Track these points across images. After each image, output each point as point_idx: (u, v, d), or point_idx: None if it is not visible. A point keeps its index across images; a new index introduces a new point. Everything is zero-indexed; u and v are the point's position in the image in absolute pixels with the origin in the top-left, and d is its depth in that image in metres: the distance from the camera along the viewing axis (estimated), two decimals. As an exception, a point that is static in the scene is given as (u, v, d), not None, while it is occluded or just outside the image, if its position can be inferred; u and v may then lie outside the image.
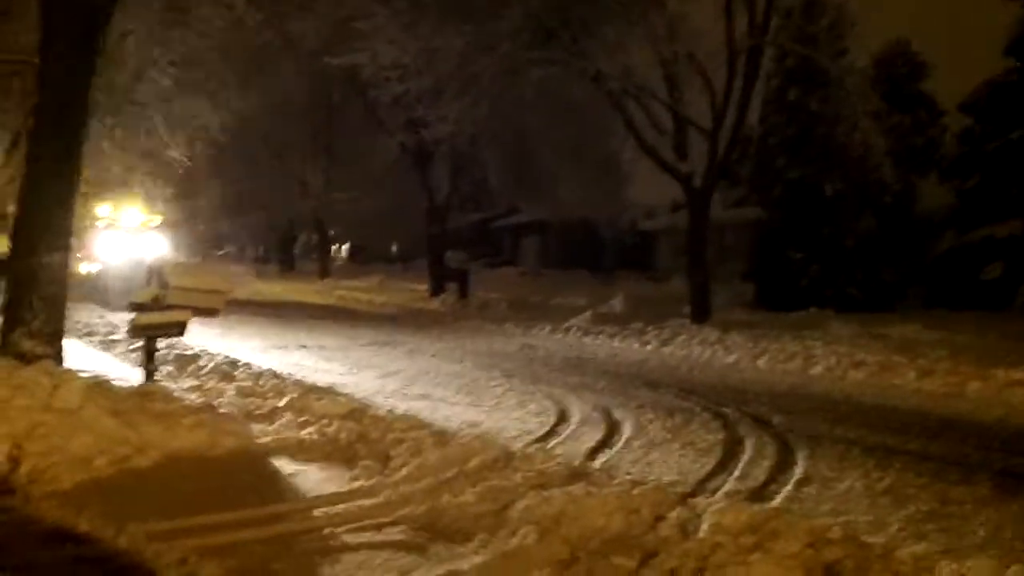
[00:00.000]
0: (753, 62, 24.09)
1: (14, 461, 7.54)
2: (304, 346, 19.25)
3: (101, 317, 22.77)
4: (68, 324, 11.34)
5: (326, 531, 6.39)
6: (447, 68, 24.18)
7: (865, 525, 6.83)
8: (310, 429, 9.54)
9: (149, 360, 10.60)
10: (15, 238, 10.70)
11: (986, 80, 30.76)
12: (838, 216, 28.53)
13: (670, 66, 24.62)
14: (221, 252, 60.63)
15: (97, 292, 26.86)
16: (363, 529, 6.51)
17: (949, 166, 32.44)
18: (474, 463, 7.92)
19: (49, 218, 10.43)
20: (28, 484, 7.21)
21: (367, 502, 7.12)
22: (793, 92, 29.11)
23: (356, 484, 7.71)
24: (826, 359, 17.42)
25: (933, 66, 33.42)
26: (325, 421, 9.87)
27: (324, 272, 51.24)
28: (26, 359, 9.61)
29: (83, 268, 33.83)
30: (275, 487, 7.58)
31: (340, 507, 7.01)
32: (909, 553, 5.27)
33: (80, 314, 21.67)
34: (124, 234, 29.23)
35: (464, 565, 5.74)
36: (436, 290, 36.07)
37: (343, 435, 9.25)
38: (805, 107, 28.63)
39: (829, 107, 26.80)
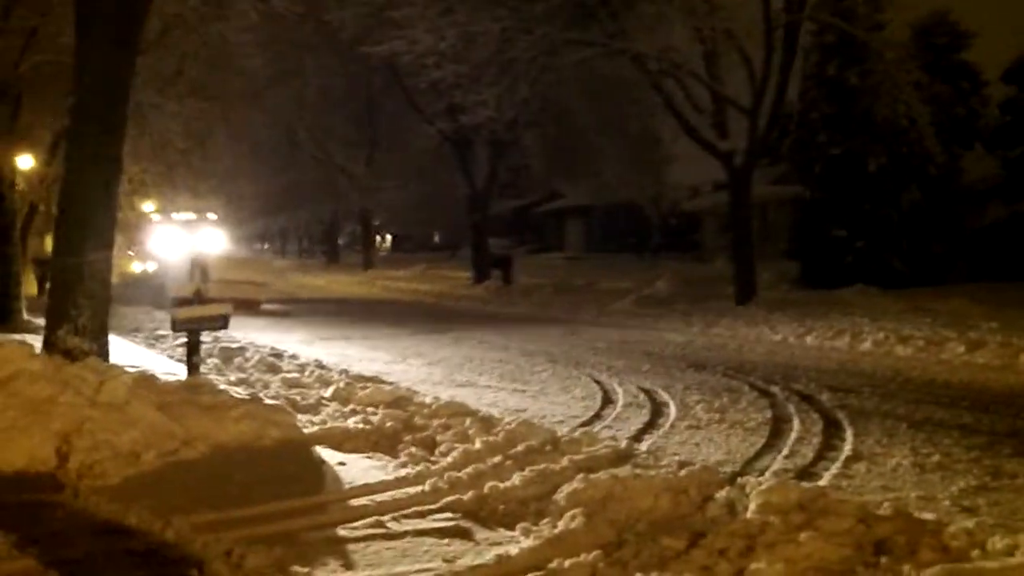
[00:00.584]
0: (791, 38, 23.87)
1: (63, 457, 7.60)
2: (348, 337, 19.31)
3: (146, 313, 23.00)
4: (115, 322, 11.45)
5: (372, 519, 6.38)
6: (484, 53, 24.15)
7: (915, 501, 6.73)
8: (356, 418, 9.56)
9: (193, 353, 10.64)
10: (57, 237, 10.79)
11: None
12: (881, 191, 28.20)
13: (708, 44, 24.46)
14: (264, 246, 60.86)
15: (151, 291, 26.25)
16: (409, 516, 6.48)
17: (992, 136, 31.98)
18: (520, 448, 7.90)
19: (91, 216, 10.49)
20: (77, 479, 7.25)
21: (413, 490, 7.10)
22: (832, 67, 28.78)
23: (402, 472, 7.70)
24: (873, 335, 17.26)
25: (974, 35, 32.86)
26: (371, 410, 9.91)
27: (368, 263, 51.41)
28: (72, 356, 9.69)
29: (136, 267, 32.97)
30: (321, 477, 7.58)
31: (386, 495, 7.00)
32: (960, 528, 5.18)
33: (131, 313, 21.97)
34: (180, 230, 26.90)
35: (511, 550, 5.71)
36: (480, 277, 36.09)
37: (389, 423, 9.26)
38: (845, 81, 28.29)
39: (869, 81, 26.43)
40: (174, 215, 28.72)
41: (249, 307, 23.28)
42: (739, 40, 24.01)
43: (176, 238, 25.30)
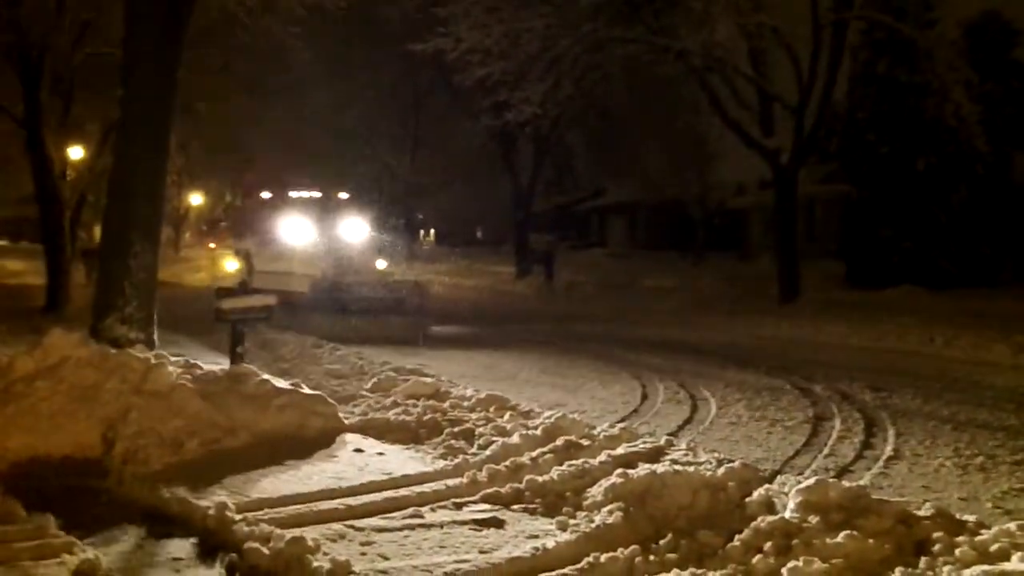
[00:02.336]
0: (839, 35, 23.71)
1: (108, 443, 7.70)
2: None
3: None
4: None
5: (411, 510, 6.42)
6: (529, 50, 24.16)
7: (957, 502, 6.68)
8: (396, 410, 9.61)
9: (237, 343, 10.73)
10: (105, 227, 10.92)
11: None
12: (930, 190, 27.92)
13: (755, 40, 24.33)
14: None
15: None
16: (447, 508, 6.53)
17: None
18: (559, 443, 7.90)
19: (139, 207, 10.60)
20: (122, 465, 7.35)
21: (452, 481, 7.13)
22: (882, 65, 28.53)
23: (441, 463, 7.74)
24: (919, 336, 17.11)
25: (1026, 34, 32.45)
26: (411, 402, 9.94)
27: (411, 256, 51.57)
28: (119, 344, 9.79)
29: (230, 265, 26.21)
30: (362, 467, 7.62)
31: (425, 486, 7.03)
32: (1002, 530, 5.14)
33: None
34: (305, 213, 22.17)
35: (548, 543, 5.72)
36: (522, 273, 36.09)
37: (428, 415, 9.30)
38: (894, 80, 28.04)
39: (919, 79, 26.18)
40: (293, 193, 24.26)
41: (294, 299, 21.64)
42: (786, 37, 23.88)
43: (300, 223, 21.40)
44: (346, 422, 9.08)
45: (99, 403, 8.12)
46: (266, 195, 25.27)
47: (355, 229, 22.79)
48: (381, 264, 22.44)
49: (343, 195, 24.71)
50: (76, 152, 22.87)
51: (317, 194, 24.31)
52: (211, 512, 6.07)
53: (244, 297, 10.81)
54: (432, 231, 71.37)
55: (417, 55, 30.35)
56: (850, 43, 25.81)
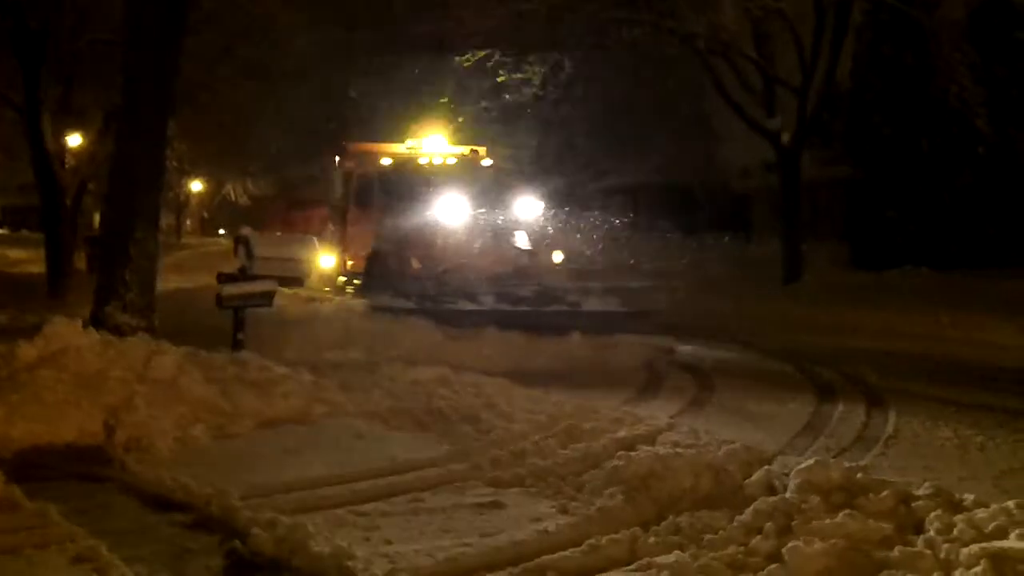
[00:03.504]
0: (842, 16, 23.61)
1: (110, 430, 7.71)
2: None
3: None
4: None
5: (414, 494, 6.43)
6: (532, 32, 24.07)
7: (957, 482, 6.67)
8: (402, 396, 9.61)
9: (239, 330, 10.74)
10: (105, 215, 10.97)
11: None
12: (934, 172, 27.82)
13: (759, 23, 24.25)
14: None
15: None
16: (451, 492, 6.54)
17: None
18: (562, 426, 7.92)
19: (139, 194, 10.62)
20: (124, 453, 7.37)
21: (456, 466, 7.15)
22: (887, 46, 28.37)
23: (445, 448, 7.76)
24: (921, 317, 17.09)
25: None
26: (417, 388, 9.95)
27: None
28: (120, 331, 9.83)
29: (326, 261, 21.26)
30: (366, 452, 7.64)
31: (429, 471, 7.05)
32: (1000, 508, 5.13)
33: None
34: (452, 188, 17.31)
35: (551, 525, 5.74)
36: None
37: (433, 401, 9.31)
38: (900, 62, 27.88)
39: (924, 61, 26.05)
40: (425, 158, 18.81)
41: (295, 285, 21.08)
42: (791, 20, 23.79)
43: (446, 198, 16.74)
44: (351, 408, 9.10)
45: (102, 391, 8.14)
46: (385, 161, 18.74)
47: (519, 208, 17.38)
48: (557, 256, 16.57)
49: (486, 161, 19.04)
50: (76, 139, 22.85)
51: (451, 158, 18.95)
52: (214, 498, 6.08)
53: (245, 284, 10.83)
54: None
55: (419, 35, 30.28)
56: (855, 24, 25.71)
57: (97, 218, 25.24)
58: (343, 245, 19.42)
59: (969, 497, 5.45)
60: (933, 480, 5.95)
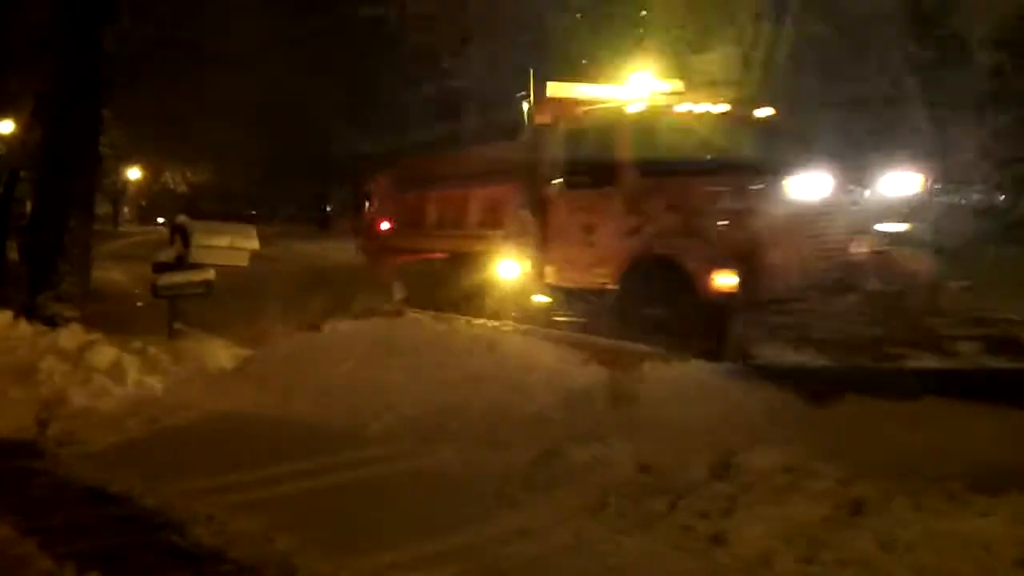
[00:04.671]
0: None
1: (43, 424, 7.56)
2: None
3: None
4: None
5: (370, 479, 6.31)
6: (475, 16, 23.89)
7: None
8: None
9: (175, 319, 10.58)
10: (37, 203, 10.76)
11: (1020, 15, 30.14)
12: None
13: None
14: (252, 212, 60.32)
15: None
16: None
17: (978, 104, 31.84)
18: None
19: (71, 182, 10.43)
20: (57, 447, 7.21)
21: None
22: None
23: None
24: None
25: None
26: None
27: (359, 230, 51.11)
28: (54, 322, 9.66)
29: (506, 269, 12.79)
30: (313, 442, 7.49)
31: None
32: (940, 487, 5.14)
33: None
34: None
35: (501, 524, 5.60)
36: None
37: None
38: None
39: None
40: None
41: (235, 274, 20.27)
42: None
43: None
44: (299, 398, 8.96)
45: (32, 384, 7.99)
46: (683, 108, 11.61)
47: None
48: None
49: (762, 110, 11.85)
50: (7, 126, 22.37)
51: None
52: (150, 491, 5.98)
53: (181, 272, 10.65)
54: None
55: (361, 24, 30.01)
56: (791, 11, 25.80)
57: (30, 206, 24.81)
58: (542, 243, 11.82)
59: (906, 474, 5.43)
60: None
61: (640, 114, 11.09)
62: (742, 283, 8.95)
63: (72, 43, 10.57)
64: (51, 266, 10.18)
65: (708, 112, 11.37)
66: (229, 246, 10.94)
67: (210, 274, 10.82)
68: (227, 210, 44.71)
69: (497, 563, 4.93)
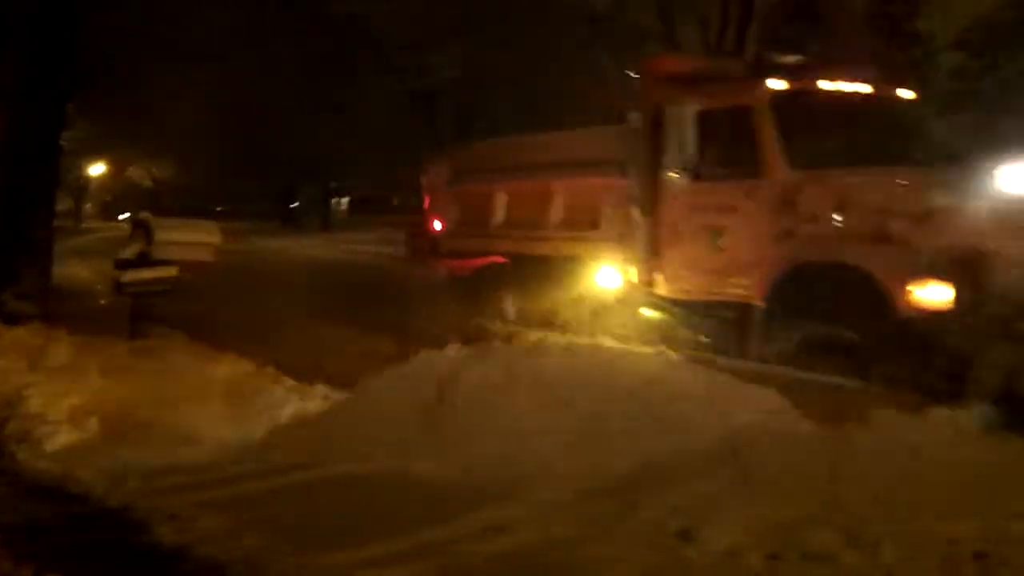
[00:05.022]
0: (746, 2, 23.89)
1: (2, 422, 7.47)
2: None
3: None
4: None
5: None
6: (450, 10, 23.79)
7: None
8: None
9: (138, 318, 10.47)
10: (-2, 200, 10.63)
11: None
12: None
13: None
14: (217, 208, 60.02)
15: None
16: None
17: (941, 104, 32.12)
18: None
19: (33, 177, 10.33)
20: (16, 445, 7.12)
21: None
22: (791, 31, 28.74)
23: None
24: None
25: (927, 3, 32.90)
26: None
27: (326, 226, 51.07)
28: (14, 319, 9.56)
29: (604, 279, 10.45)
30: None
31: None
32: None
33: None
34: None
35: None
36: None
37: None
38: (802, 47, 28.24)
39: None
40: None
41: (199, 270, 19.73)
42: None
43: None
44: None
45: (-8, 381, 7.90)
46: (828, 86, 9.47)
47: None
48: None
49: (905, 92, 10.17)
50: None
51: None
52: (111, 491, 5.93)
53: (145, 269, 10.52)
54: (344, 200, 70.62)
55: (333, 19, 29.84)
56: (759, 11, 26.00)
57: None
58: (654, 246, 9.69)
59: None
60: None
61: (787, 91, 8.94)
62: (957, 298, 7.18)
63: (33, 35, 10.45)
64: (11, 263, 10.07)
65: (858, 91, 9.45)
66: (192, 242, 10.83)
67: (174, 271, 10.71)
68: (192, 206, 44.39)
69: None
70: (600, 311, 9.95)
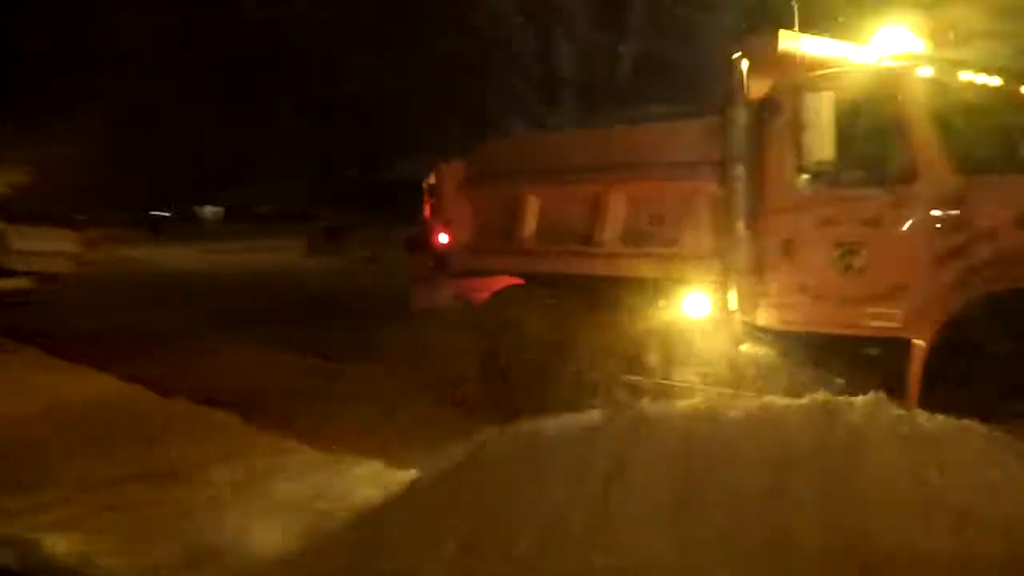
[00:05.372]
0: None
1: None
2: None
3: None
4: None
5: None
6: (367, 21, 23.68)
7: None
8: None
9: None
10: None
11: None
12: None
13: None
14: (81, 217, 58.40)
15: None
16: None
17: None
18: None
19: None
20: None
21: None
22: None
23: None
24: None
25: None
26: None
27: (197, 234, 50.30)
28: None
29: (691, 303, 8.02)
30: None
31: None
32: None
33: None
34: None
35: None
36: (313, 248, 35.86)
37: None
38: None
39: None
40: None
41: (56, 281, 18.45)
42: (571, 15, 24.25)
43: None
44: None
45: None
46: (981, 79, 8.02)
47: None
48: None
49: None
50: None
51: None
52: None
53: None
54: (212, 208, 69.45)
55: (244, 27, 29.39)
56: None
57: None
58: (761, 266, 7.67)
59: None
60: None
61: (940, 82, 7.35)
62: None
63: None
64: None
65: (996, 85, 7.76)
66: (48, 251, 10.44)
67: (28, 282, 10.31)
68: (51, 213, 43.07)
69: None
70: (682, 345, 8.01)
